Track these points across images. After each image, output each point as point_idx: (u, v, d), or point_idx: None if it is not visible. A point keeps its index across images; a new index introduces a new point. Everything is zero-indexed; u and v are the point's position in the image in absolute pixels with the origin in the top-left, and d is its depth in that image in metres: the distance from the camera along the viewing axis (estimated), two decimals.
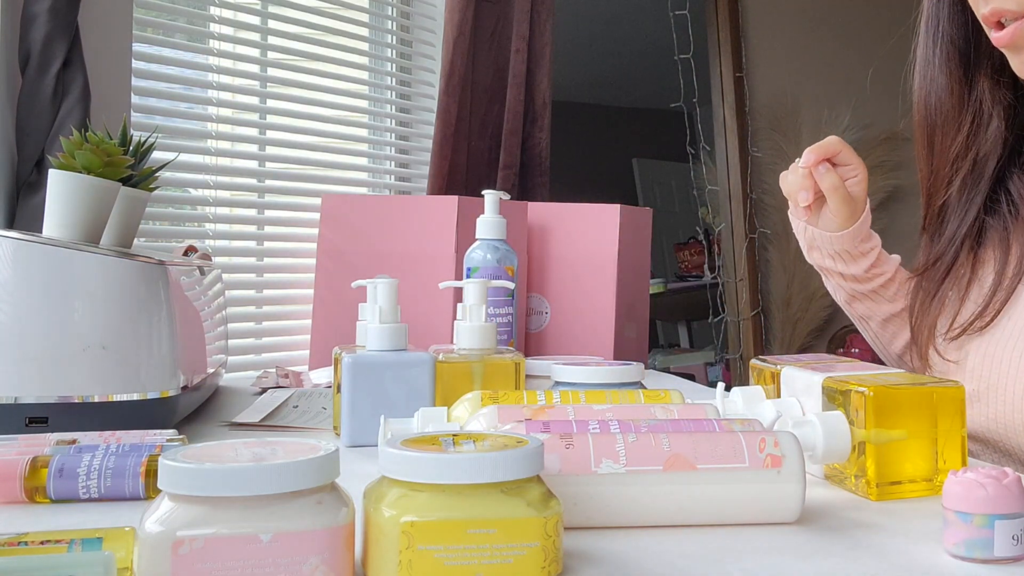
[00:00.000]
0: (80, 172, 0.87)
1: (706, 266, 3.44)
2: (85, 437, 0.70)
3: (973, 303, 0.90)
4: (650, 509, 0.57)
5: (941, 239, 0.95)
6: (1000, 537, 0.51)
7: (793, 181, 1.00)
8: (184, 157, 1.57)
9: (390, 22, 2.03)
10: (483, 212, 1.23)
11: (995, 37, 0.83)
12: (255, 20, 1.79)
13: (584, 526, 0.57)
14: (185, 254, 1.17)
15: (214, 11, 1.67)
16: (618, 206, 1.55)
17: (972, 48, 0.90)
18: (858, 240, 1.01)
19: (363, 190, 1.97)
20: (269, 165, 1.81)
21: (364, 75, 1.98)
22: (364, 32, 1.97)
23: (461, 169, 1.92)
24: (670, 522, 0.58)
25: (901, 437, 0.65)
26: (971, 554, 0.52)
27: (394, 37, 2.04)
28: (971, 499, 0.52)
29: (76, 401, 0.76)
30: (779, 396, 0.76)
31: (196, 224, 1.67)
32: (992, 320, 0.87)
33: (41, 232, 0.86)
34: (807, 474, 0.71)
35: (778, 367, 0.77)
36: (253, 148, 1.79)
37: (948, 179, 0.93)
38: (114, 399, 0.78)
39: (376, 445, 0.71)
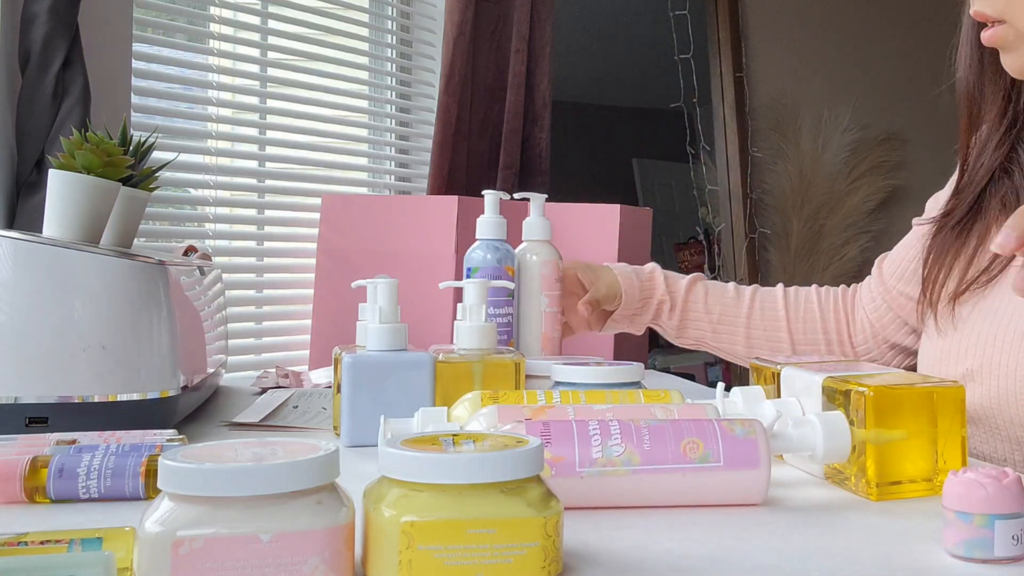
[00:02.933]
0: (80, 172, 0.87)
1: (706, 266, 3.44)
2: (85, 437, 0.70)
3: (975, 267, 0.92)
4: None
5: (961, 195, 0.97)
6: (1000, 537, 0.51)
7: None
8: (184, 157, 1.57)
9: (390, 22, 2.03)
10: (483, 212, 1.23)
11: (983, 36, 0.87)
12: (255, 20, 1.79)
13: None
14: (185, 254, 1.17)
15: (214, 11, 1.67)
16: (618, 206, 1.55)
17: None
18: (637, 302, 1.16)
19: (363, 190, 1.97)
20: (269, 165, 1.82)
21: (364, 75, 1.98)
22: (364, 32, 1.97)
23: (461, 169, 1.92)
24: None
25: (901, 437, 0.65)
26: (971, 554, 0.52)
27: (394, 37, 2.04)
28: (971, 499, 0.51)
29: (76, 401, 0.76)
30: (779, 396, 0.76)
31: (196, 224, 1.67)
32: (996, 276, 0.88)
33: (41, 232, 0.86)
34: (808, 473, 0.71)
35: (778, 367, 0.77)
36: (253, 148, 1.79)
37: (980, 149, 0.96)
38: (114, 399, 0.78)
39: (376, 445, 0.71)
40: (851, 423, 0.66)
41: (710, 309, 1.16)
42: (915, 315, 1.03)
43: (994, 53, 0.91)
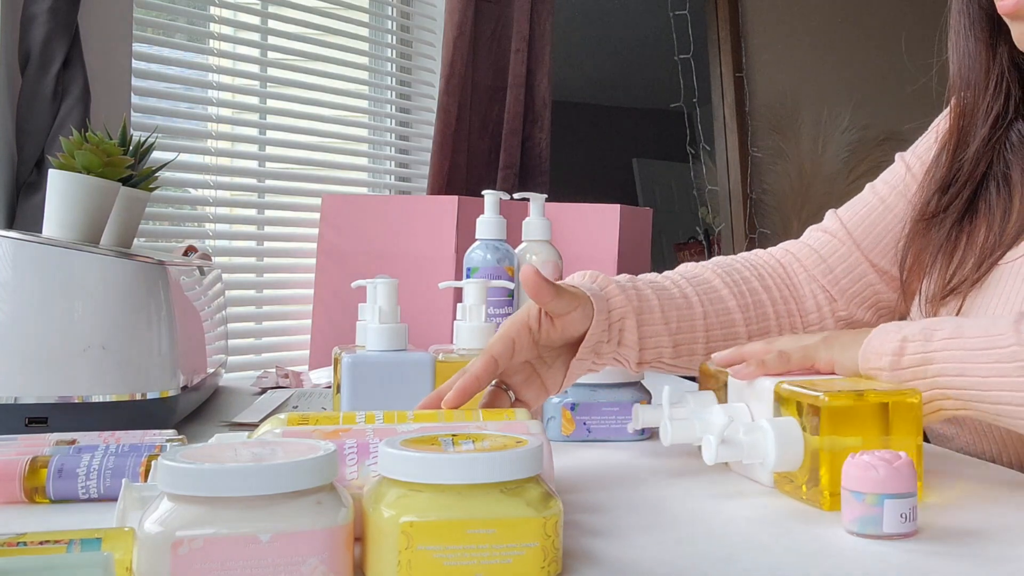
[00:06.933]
0: (80, 172, 0.87)
1: None
2: (85, 437, 0.70)
3: (961, 262, 0.89)
4: None
5: (948, 193, 0.93)
6: (889, 515, 0.55)
7: None
8: (184, 157, 1.57)
9: (390, 22, 2.03)
10: (483, 212, 1.23)
11: (1000, 5, 0.83)
12: (255, 20, 1.79)
13: None
14: (185, 254, 1.17)
15: (214, 11, 1.67)
16: (618, 206, 1.55)
17: (996, 11, 0.91)
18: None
19: (363, 190, 1.97)
20: (269, 165, 1.82)
21: (364, 75, 1.98)
22: (364, 32, 1.97)
23: (461, 169, 1.92)
24: None
25: (856, 444, 0.61)
26: (864, 530, 0.56)
27: (394, 37, 2.04)
28: (864, 479, 0.55)
29: (76, 401, 0.76)
30: (727, 401, 0.72)
31: (196, 224, 1.67)
32: (985, 275, 0.85)
33: (41, 232, 0.86)
34: (754, 481, 0.69)
35: (727, 370, 0.72)
36: (253, 148, 1.79)
37: (970, 138, 0.93)
38: (114, 399, 0.78)
39: None
40: (804, 429, 0.63)
41: (667, 318, 0.84)
42: (894, 299, 0.96)
43: (991, 33, 0.89)
